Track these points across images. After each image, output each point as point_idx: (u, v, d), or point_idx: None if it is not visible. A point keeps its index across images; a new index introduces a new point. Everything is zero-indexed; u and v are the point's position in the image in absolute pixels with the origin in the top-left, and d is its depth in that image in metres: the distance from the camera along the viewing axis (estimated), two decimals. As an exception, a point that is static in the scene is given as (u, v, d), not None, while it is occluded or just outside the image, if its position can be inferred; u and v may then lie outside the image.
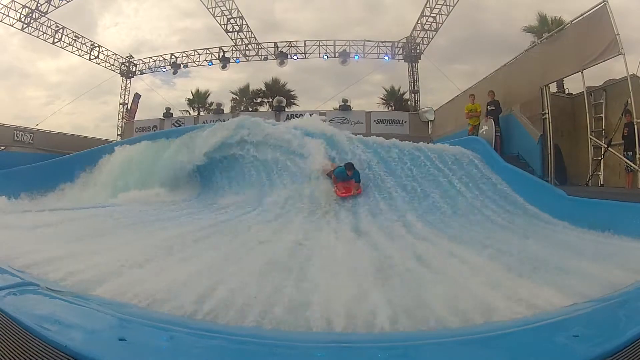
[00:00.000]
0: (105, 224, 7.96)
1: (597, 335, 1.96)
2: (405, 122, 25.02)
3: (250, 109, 29.58)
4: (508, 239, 6.81)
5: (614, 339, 1.76)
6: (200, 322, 3.01)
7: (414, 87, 27.30)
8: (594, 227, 7.00)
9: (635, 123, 10.31)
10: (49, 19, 24.88)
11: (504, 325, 2.59)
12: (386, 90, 30.71)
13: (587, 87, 11.88)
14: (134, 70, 29.96)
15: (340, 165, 10.40)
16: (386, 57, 27.42)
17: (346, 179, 10.11)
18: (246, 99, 31.74)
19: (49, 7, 23.98)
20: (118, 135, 28.13)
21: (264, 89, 31.46)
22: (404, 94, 29.35)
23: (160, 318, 2.73)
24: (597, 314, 2.43)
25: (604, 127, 11.90)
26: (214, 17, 25.74)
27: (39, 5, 23.73)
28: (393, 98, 30.27)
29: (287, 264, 5.06)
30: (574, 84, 13.77)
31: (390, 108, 29.71)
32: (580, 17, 11.44)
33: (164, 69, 29.54)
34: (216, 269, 4.71)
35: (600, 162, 11.39)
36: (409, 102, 27.95)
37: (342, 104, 25.39)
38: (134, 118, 28.73)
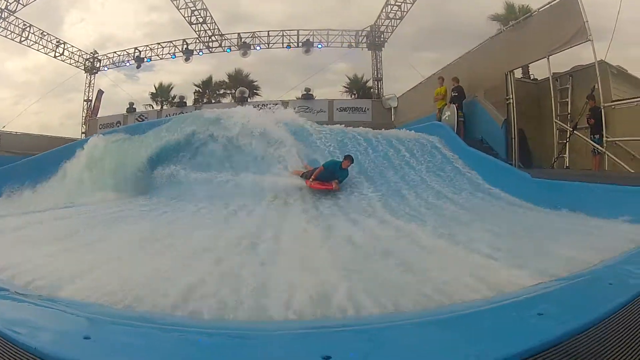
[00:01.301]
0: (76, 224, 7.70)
1: (561, 314, 1.94)
2: (368, 109, 25.39)
3: (213, 101, 29.56)
4: (471, 221, 6.83)
5: (579, 317, 1.76)
6: (163, 315, 2.99)
7: (377, 75, 27.69)
8: (559, 207, 7.09)
9: (602, 107, 10.48)
10: (17, 18, 24.48)
11: (466, 306, 2.57)
12: (349, 79, 30.89)
13: (553, 73, 12.09)
14: (98, 66, 29.59)
15: (336, 160, 9.99)
16: (348, 45, 27.69)
17: (335, 173, 9.50)
18: (209, 91, 31.70)
19: (17, 5, 23.57)
20: (82, 133, 27.74)
21: (227, 80, 31.38)
22: (367, 82, 29.59)
23: (125, 315, 2.76)
24: (562, 293, 2.43)
25: (569, 111, 12.10)
26: (178, 10, 25.53)
27: (8, 4, 23.35)
28: (356, 86, 30.40)
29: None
30: (540, 71, 13.95)
31: (353, 96, 29.87)
32: (548, 5, 11.61)
33: (127, 64, 29.20)
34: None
35: (566, 145, 11.61)
36: (372, 90, 28.28)
37: (305, 92, 25.72)
38: (97, 115, 28.42)
